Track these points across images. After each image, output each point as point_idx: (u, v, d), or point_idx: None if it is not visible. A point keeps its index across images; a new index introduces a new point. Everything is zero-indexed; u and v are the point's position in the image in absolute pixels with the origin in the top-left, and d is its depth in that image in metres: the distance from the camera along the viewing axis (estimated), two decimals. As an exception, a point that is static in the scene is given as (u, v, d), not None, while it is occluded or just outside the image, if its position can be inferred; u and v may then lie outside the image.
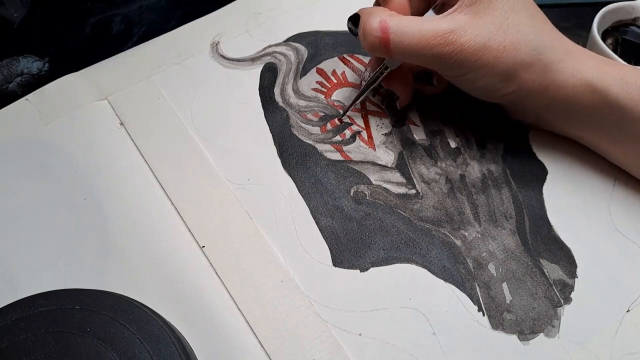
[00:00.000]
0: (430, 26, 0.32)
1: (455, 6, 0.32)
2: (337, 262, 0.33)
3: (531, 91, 0.33)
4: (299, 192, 0.35)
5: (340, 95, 0.40)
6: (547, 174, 0.36)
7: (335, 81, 0.41)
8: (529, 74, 0.32)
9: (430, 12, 0.34)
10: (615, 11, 0.43)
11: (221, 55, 0.43)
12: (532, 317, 0.30)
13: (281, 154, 0.37)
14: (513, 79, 0.32)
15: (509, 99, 0.34)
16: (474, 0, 0.31)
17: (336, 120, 0.39)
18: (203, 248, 0.33)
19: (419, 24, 0.32)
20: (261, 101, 0.40)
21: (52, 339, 0.28)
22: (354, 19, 0.35)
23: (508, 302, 0.31)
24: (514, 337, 0.30)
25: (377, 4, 0.36)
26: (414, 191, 0.35)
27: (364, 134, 0.38)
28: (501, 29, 0.31)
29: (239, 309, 0.31)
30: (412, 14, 0.35)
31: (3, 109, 0.40)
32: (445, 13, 0.32)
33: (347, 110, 0.39)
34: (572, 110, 0.33)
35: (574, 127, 0.35)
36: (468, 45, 0.31)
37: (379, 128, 0.38)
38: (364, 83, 0.38)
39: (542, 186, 0.35)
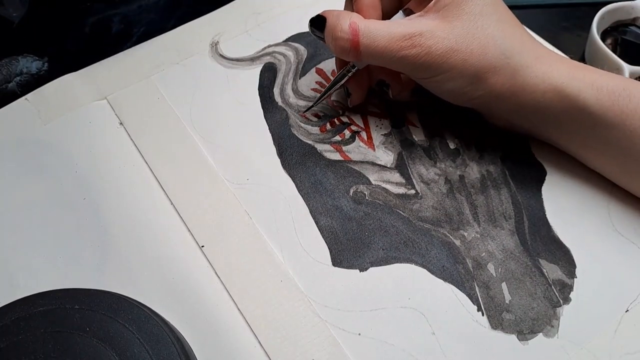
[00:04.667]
0: (398, 29, 0.32)
1: (424, 10, 0.33)
2: (337, 261, 0.33)
3: (500, 95, 0.33)
4: (299, 192, 0.35)
5: (340, 95, 0.40)
6: (545, 174, 0.36)
7: (334, 81, 0.41)
8: (497, 77, 0.32)
9: (400, 15, 0.35)
10: (614, 11, 0.43)
11: (220, 55, 0.43)
12: (532, 317, 0.30)
13: (281, 153, 0.37)
14: (481, 82, 0.32)
15: (478, 102, 0.34)
16: (443, 5, 0.32)
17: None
18: (202, 248, 0.33)
19: (387, 27, 0.32)
20: (260, 101, 0.40)
21: (52, 339, 0.28)
22: (317, 22, 0.34)
23: (507, 302, 0.31)
24: (513, 337, 0.30)
25: (348, 7, 0.36)
26: (413, 191, 0.35)
27: (364, 134, 0.38)
28: (469, 33, 0.31)
29: (238, 309, 0.31)
30: (383, 18, 0.35)
31: (2, 109, 0.40)
32: (414, 16, 0.33)
33: (309, 109, 0.39)
34: (543, 115, 0.33)
35: (547, 132, 0.35)
36: (435, 48, 0.31)
37: (379, 128, 0.38)
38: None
39: (541, 187, 0.35)
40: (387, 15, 0.36)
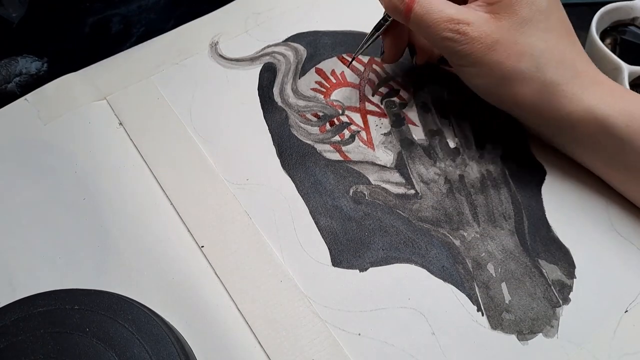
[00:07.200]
0: (451, 11, 0.32)
1: (479, 0, 0.33)
2: (337, 262, 0.33)
3: (522, 105, 0.33)
4: (298, 192, 0.35)
5: (340, 95, 0.40)
6: (545, 174, 0.36)
7: (334, 81, 0.41)
8: (523, 87, 0.32)
9: None
10: (613, 11, 0.43)
11: (220, 55, 0.43)
12: (531, 317, 0.30)
13: (280, 154, 0.37)
14: (506, 87, 0.33)
15: (506, 107, 0.35)
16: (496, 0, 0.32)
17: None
18: (202, 248, 0.33)
19: (442, 4, 0.33)
20: (260, 101, 0.40)
21: (51, 339, 0.28)
22: None
23: (507, 302, 0.31)
24: (513, 337, 0.30)
25: None
26: (413, 191, 0.35)
27: (363, 134, 0.38)
28: (513, 37, 0.32)
29: (238, 309, 0.31)
30: None
31: (2, 109, 0.40)
32: (469, 4, 0.33)
33: (354, 58, 0.39)
34: (568, 133, 0.33)
35: (570, 148, 0.35)
36: (476, 41, 0.32)
37: (378, 128, 0.38)
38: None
39: (541, 187, 0.35)
40: None
